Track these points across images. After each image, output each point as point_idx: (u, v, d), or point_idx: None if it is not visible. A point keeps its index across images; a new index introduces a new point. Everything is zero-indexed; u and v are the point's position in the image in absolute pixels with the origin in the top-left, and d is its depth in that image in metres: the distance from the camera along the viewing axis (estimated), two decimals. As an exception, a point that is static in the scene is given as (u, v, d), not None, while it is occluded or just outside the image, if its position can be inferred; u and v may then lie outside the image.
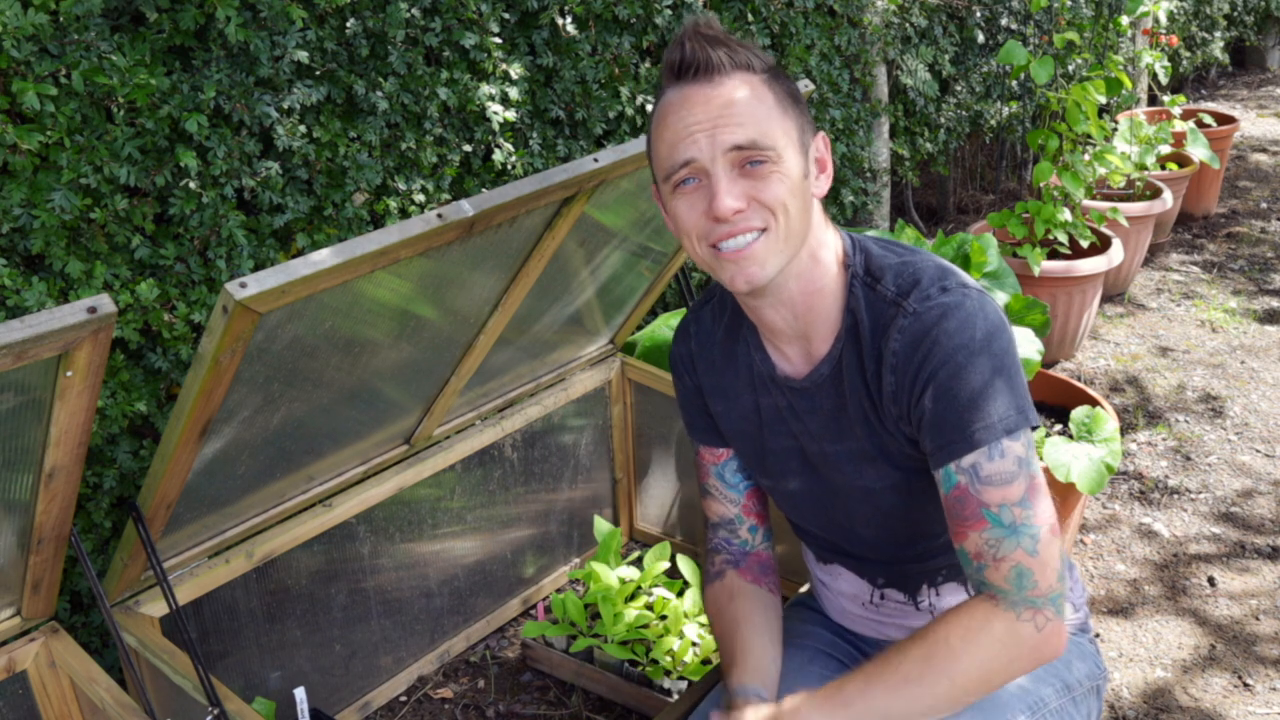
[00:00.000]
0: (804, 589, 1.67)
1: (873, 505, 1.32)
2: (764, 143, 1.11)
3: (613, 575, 2.24)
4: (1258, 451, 3.00)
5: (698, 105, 1.12)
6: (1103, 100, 3.38)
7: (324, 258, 1.25)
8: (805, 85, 1.91)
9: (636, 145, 1.62)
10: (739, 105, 1.11)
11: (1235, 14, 6.96)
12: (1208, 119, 4.79)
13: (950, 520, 1.18)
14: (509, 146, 2.36)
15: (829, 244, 1.24)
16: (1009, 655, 1.14)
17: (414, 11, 2.11)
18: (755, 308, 1.25)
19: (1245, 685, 2.16)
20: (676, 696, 2.02)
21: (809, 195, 1.18)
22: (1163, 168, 4.40)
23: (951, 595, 1.38)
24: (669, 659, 2.09)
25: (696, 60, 1.12)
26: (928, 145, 4.07)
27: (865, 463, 1.29)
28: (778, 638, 1.38)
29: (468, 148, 2.29)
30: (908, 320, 1.17)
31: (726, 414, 1.40)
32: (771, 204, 1.13)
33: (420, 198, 2.21)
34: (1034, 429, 1.19)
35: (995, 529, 1.14)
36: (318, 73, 2.00)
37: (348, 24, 2.02)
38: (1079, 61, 4.45)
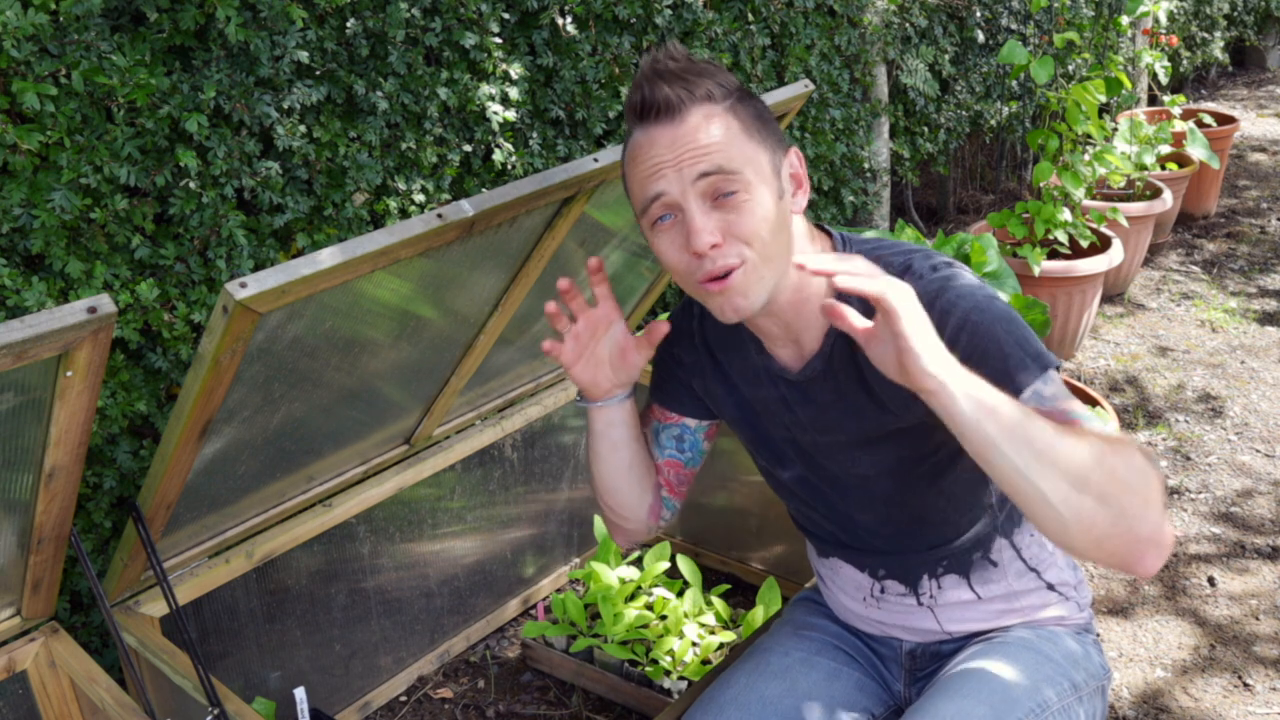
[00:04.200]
0: (809, 585, 1.67)
1: (868, 492, 1.33)
2: (730, 168, 1.13)
3: (613, 575, 2.24)
4: (1257, 451, 3.00)
5: (663, 144, 1.14)
6: (1103, 100, 3.38)
7: (324, 258, 1.25)
8: (805, 85, 1.91)
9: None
10: (702, 137, 1.13)
11: (1235, 14, 6.96)
12: (1208, 119, 4.79)
13: None
14: (509, 146, 2.36)
15: (815, 252, 1.25)
16: (1159, 516, 1.03)
17: (414, 11, 2.11)
18: (748, 318, 1.26)
19: (1245, 685, 2.16)
20: (676, 696, 2.02)
21: (786, 215, 1.19)
22: (1163, 168, 4.40)
23: (953, 588, 1.38)
24: (669, 659, 2.09)
25: (656, 102, 1.14)
26: (928, 145, 4.07)
27: (860, 449, 1.30)
28: (637, 459, 1.41)
29: (468, 148, 2.29)
30: None
31: (725, 400, 1.41)
32: (746, 236, 1.14)
33: (420, 198, 2.21)
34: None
35: (1093, 422, 1.09)
36: (318, 73, 2.00)
37: (348, 24, 2.02)
38: (1079, 61, 4.45)
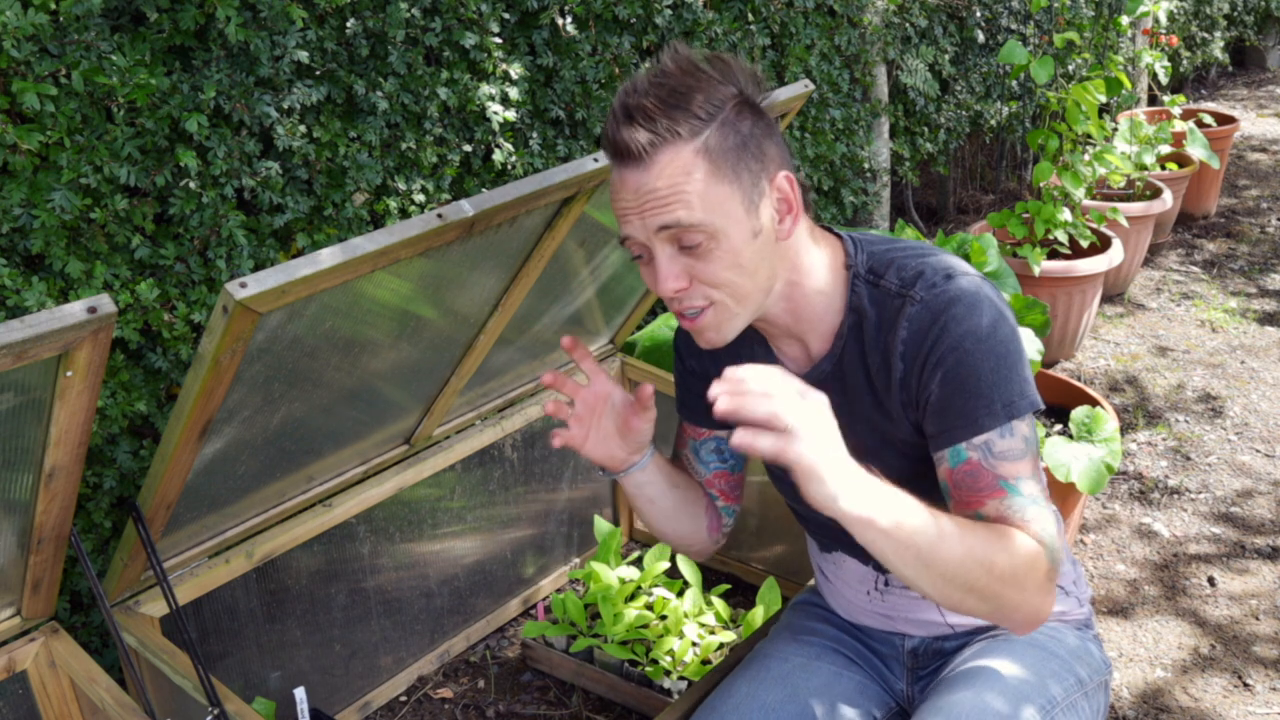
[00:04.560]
0: (808, 586, 1.67)
1: None
2: (690, 220, 1.11)
3: (613, 575, 2.24)
4: (1257, 451, 3.00)
5: (630, 189, 1.14)
6: (1103, 100, 3.38)
7: (324, 258, 1.25)
8: (805, 85, 1.91)
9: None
10: (664, 188, 1.11)
11: (1235, 14, 6.96)
12: (1208, 119, 4.79)
13: (959, 492, 1.19)
14: (509, 146, 2.36)
15: (816, 261, 1.24)
16: (1038, 600, 1.14)
17: (414, 11, 2.11)
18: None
19: (1245, 685, 2.16)
20: (676, 696, 2.02)
21: (765, 250, 1.17)
22: (1163, 168, 4.40)
23: None
24: (669, 659, 2.09)
25: (620, 146, 1.13)
26: (928, 145, 4.07)
27: (868, 457, 1.29)
28: (681, 503, 1.43)
29: (468, 148, 2.29)
30: (916, 308, 1.19)
31: None
32: (711, 282, 1.15)
33: (420, 198, 2.21)
34: (1039, 411, 1.20)
35: (1015, 497, 1.16)
36: (318, 73, 2.00)
37: (348, 24, 2.02)
38: (1079, 61, 4.45)
